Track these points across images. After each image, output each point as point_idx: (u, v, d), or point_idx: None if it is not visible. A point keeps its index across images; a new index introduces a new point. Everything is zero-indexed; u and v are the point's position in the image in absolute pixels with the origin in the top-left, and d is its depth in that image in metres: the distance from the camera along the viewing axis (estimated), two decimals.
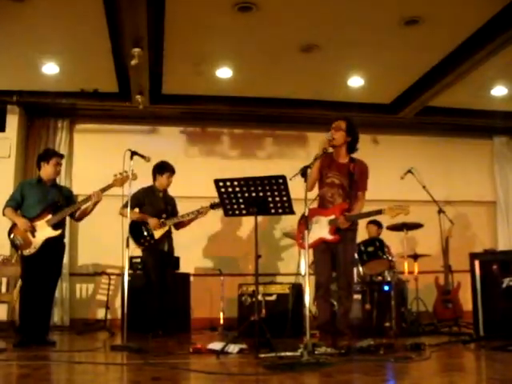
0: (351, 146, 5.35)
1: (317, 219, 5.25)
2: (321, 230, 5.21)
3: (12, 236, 5.70)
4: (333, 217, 5.19)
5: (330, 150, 5.14)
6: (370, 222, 7.52)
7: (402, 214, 5.14)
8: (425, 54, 6.92)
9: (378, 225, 7.54)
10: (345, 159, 5.34)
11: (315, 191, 5.42)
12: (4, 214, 5.81)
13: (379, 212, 5.18)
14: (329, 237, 5.17)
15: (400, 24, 6.14)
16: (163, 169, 6.71)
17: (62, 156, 6.08)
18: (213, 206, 6.55)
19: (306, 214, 4.57)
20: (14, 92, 8.02)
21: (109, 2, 5.67)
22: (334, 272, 5.34)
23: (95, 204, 5.84)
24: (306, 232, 4.53)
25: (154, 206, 6.62)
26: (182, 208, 6.76)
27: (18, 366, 4.24)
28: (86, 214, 6.00)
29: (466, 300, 6.62)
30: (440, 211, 7.08)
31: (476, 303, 5.84)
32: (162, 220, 6.54)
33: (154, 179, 6.76)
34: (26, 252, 5.63)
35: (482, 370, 4.31)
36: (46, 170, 5.87)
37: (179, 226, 6.75)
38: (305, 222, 4.56)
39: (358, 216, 5.27)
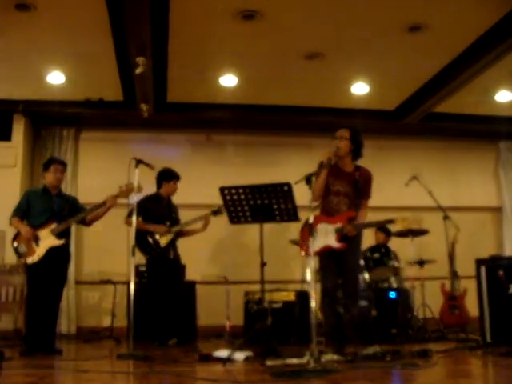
0: (356, 154, 5.33)
1: (321, 227, 5.23)
2: (326, 237, 5.18)
3: (15, 244, 5.72)
4: (339, 225, 5.16)
5: (334, 160, 5.11)
6: (379, 230, 7.51)
7: (414, 225, 5.15)
8: (429, 61, 6.93)
9: (386, 232, 7.53)
10: (350, 168, 5.30)
11: None
12: (11, 224, 5.83)
13: (390, 221, 5.16)
14: (336, 245, 5.13)
15: (404, 31, 6.15)
16: (170, 176, 6.71)
17: (61, 162, 6.06)
18: (214, 213, 6.56)
19: (311, 221, 4.56)
20: (20, 101, 8.06)
21: (113, 11, 5.70)
22: (340, 279, 5.33)
23: (108, 209, 5.87)
24: (310, 239, 4.52)
25: (158, 213, 6.61)
26: (188, 216, 6.76)
27: (24, 375, 4.24)
28: (97, 218, 6.02)
29: (472, 306, 6.58)
30: (446, 217, 7.07)
31: (482, 309, 5.81)
32: (168, 225, 6.55)
33: (159, 187, 6.75)
34: (29, 260, 5.65)
35: (489, 376, 4.28)
36: (48, 178, 5.90)
37: (180, 234, 6.75)
38: (309, 229, 4.55)
39: (367, 225, 5.25)
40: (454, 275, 7.16)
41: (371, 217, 5.35)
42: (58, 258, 5.75)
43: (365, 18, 5.94)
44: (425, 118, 8.57)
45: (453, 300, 7.07)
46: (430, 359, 4.67)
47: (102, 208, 5.85)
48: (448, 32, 6.20)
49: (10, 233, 6.01)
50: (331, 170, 5.20)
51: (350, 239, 5.14)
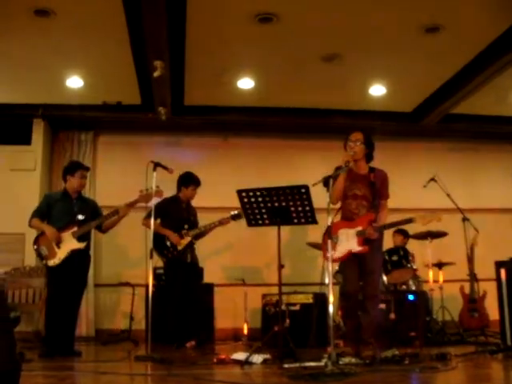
0: (369, 156, 5.34)
1: (343, 231, 5.21)
2: (348, 242, 5.16)
3: (37, 246, 5.76)
4: (360, 228, 5.15)
5: (352, 164, 5.11)
6: (396, 232, 7.48)
7: (433, 222, 5.11)
8: (446, 61, 6.89)
9: (404, 234, 7.49)
10: (365, 170, 5.32)
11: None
12: (31, 225, 5.86)
13: (410, 221, 5.13)
14: (358, 248, 5.11)
15: (421, 32, 6.12)
16: (189, 181, 6.71)
17: (87, 169, 6.12)
18: (234, 217, 6.54)
19: (329, 223, 4.56)
20: (39, 106, 8.15)
21: (131, 16, 5.74)
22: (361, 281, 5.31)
23: (121, 218, 5.90)
24: (329, 242, 4.51)
25: (176, 216, 6.63)
26: (205, 219, 6.78)
27: (43, 377, 4.28)
28: (112, 226, 6.05)
29: (492, 309, 6.54)
30: (464, 219, 7.02)
31: (503, 312, 5.76)
32: (184, 231, 6.56)
33: (179, 190, 6.76)
34: (51, 263, 5.68)
35: (510, 380, 4.24)
36: (72, 183, 5.92)
37: (198, 236, 6.76)
38: (328, 232, 4.54)
39: (387, 226, 5.23)
40: (474, 278, 7.11)
41: (390, 219, 5.33)
42: (78, 261, 5.79)
43: (382, 20, 5.92)
44: (443, 119, 8.52)
45: (472, 303, 7.01)
46: (449, 363, 4.63)
47: (115, 216, 5.89)
48: (466, 33, 6.15)
49: (30, 235, 6.05)
50: (347, 175, 5.20)
51: (371, 242, 5.12)
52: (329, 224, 4.56)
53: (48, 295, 5.88)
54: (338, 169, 5.04)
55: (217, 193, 8.05)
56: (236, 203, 5.24)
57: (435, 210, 5.17)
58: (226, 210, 6.70)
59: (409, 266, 6.85)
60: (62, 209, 5.84)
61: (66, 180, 5.98)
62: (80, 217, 5.84)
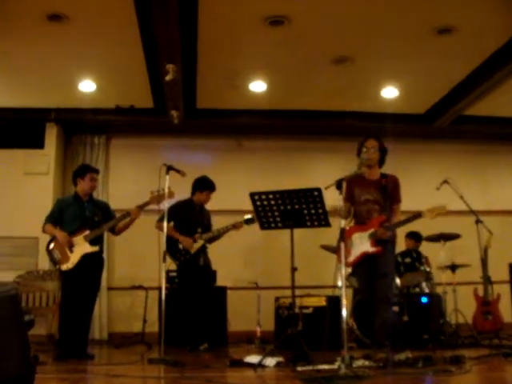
0: (382, 162, 5.40)
1: (356, 236, 5.24)
2: (362, 245, 5.20)
3: (50, 250, 5.78)
4: (372, 230, 5.17)
5: (364, 168, 5.13)
6: (408, 236, 7.46)
7: (441, 213, 5.10)
8: (459, 63, 6.87)
9: (416, 238, 7.46)
10: (376, 176, 5.36)
11: None
12: (44, 231, 5.89)
13: (419, 215, 5.12)
14: (371, 249, 5.14)
15: (433, 33, 6.10)
16: (205, 186, 6.68)
17: (97, 171, 6.13)
18: (247, 222, 6.53)
19: (342, 225, 4.55)
20: (52, 109, 8.21)
21: (143, 20, 5.77)
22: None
23: (133, 220, 5.91)
24: (342, 244, 4.51)
25: (190, 219, 6.63)
26: (218, 222, 6.78)
27: (57, 379, 4.29)
28: (124, 228, 6.06)
29: (506, 311, 6.49)
30: (478, 221, 6.98)
31: None
32: (197, 235, 6.56)
33: (193, 194, 6.76)
34: (64, 267, 5.69)
35: None
36: (82, 186, 5.94)
37: (212, 240, 6.75)
38: (340, 235, 4.54)
39: (397, 224, 5.23)
40: (487, 280, 7.06)
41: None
42: (91, 265, 5.80)
43: (394, 22, 5.91)
44: (455, 121, 8.49)
45: (486, 305, 6.96)
46: (463, 366, 4.59)
47: (127, 219, 5.91)
48: (478, 33, 6.13)
49: (44, 239, 6.08)
50: (357, 182, 5.24)
51: (384, 244, 5.12)
52: (341, 227, 4.55)
53: (62, 299, 5.90)
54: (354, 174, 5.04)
55: (228, 196, 8.05)
56: (248, 206, 5.24)
57: (448, 213, 5.13)
58: (238, 213, 6.70)
59: (422, 268, 6.83)
60: (74, 212, 5.85)
61: (76, 183, 6.00)
62: (96, 218, 5.86)
